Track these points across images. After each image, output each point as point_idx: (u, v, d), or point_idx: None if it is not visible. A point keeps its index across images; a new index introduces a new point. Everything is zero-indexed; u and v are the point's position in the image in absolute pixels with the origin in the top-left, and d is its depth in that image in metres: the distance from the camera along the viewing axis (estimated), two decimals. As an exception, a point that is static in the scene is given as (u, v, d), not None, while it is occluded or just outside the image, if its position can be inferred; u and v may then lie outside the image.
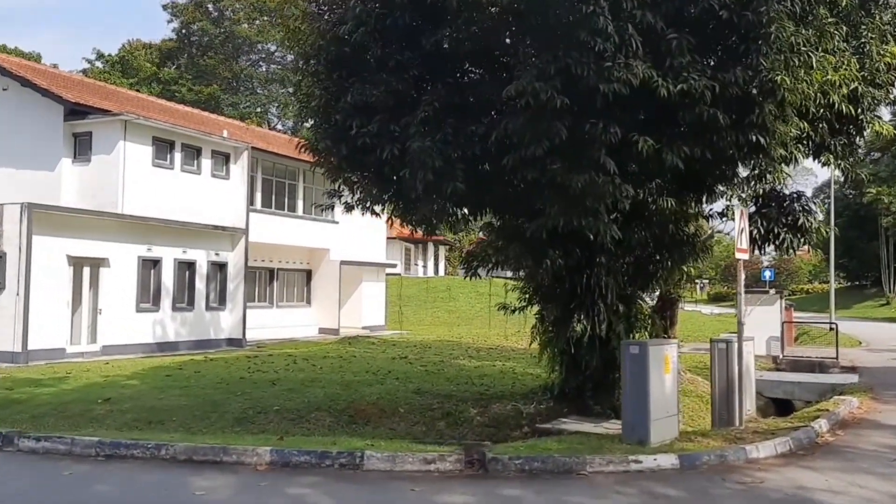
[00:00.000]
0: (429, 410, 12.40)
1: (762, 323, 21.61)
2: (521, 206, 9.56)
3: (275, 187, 27.24)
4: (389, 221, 15.45)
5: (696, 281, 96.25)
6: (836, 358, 20.35)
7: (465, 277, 12.52)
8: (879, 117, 10.41)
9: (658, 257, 12.03)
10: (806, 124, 9.49)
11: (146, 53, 56.83)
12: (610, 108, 8.22)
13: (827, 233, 11.02)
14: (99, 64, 57.49)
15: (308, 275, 30.46)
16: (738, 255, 9.73)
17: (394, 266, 35.45)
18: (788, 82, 8.19)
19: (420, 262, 55.70)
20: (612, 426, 10.28)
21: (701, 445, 8.94)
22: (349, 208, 11.73)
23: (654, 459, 8.05)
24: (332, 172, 10.70)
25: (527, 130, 8.15)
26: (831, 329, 34.00)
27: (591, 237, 10.87)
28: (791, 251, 10.96)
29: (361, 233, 29.35)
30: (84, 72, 52.45)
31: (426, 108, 8.77)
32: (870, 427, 11.12)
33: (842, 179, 64.09)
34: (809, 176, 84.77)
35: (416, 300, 42.04)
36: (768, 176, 9.63)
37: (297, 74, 10.98)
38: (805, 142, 9.95)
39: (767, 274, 45.36)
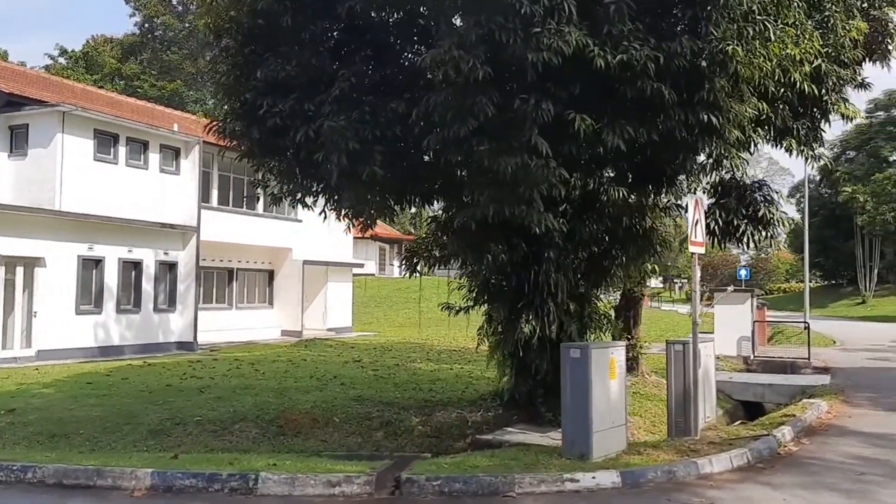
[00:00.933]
0: (367, 420, 11.44)
1: (733, 323, 20.89)
2: (450, 194, 8.61)
3: (233, 184, 26.10)
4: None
5: (675, 280, 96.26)
6: (809, 358, 19.62)
7: (402, 276, 11.58)
8: (846, 99, 9.58)
9: (613, 253, 11.18)
10: (765, 105, 8.65)
11: (109, 49, 55.31)
12: (542, 82, 7.31)
13: (793, 225, 10.17)
14: (62, 60, 55.94)
15: (270, 275, 29.36)
16: (691, 249, 8.86)
17: (361, 266, 34.39)
18: (742, 54, 7.32)
19: (395, 263, 54.69)
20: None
21: (649, 459, 8.06)
22: (276, 200, 10.73)
23: (593, 478, 7.15)
24: (247, 158, 9.70)
25: (449, 107, 7.21)
26: (806, 328, 33.59)
27: (536, 230, 10.07)
28: (753, 245, 10.13)
29: (327, 231, 28.27)
30: (46, 68, 50.89)
31: (341, 84, 7.81)
32: (837, 434, 10.31)
33: (818, 178, 63.92)
34: (786, 176, 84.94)
35: (389, 301, 41.08)
36: (725, 162, 8.77)
37: (207, 50, 9.98)
38: (765, 125, 9.11)
39: (743, 273, 44.89)
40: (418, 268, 11.29)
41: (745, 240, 9.86)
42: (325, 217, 10.61)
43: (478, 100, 7.12)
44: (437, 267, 11.32)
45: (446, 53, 6.82)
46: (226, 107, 9.18)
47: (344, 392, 13.08)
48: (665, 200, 10.72)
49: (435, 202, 9.70)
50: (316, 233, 27.88)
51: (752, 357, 20.41)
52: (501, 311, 11.43)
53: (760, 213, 9.62)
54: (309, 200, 10.71)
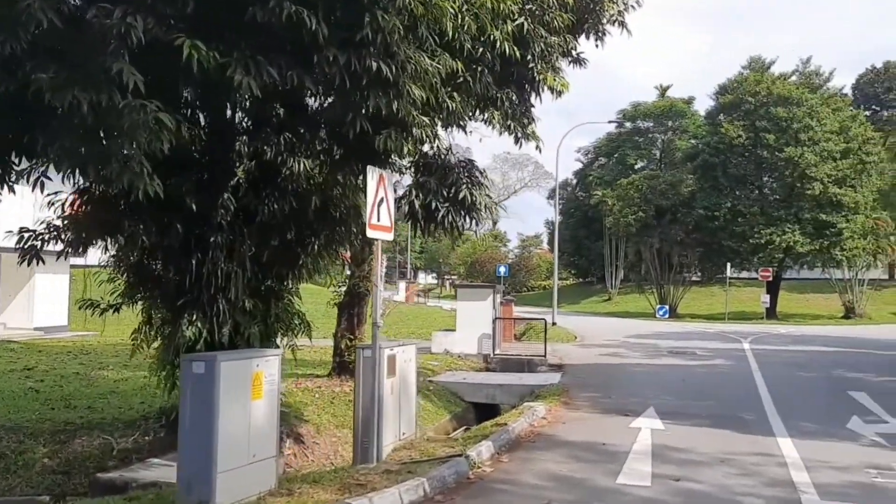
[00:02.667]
0: (-29, 453, 8.60)
1: (474, 320, 20.12)
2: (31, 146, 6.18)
3: None
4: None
5: (446, 276, 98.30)
6: (545, 356, 19.30)
7: (20, 264, 8.87)
8: (556, 68, 8.50)
9: (306, 239, 9.32)
10: (459, 64, 7.20)
11: None
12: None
13: (501, 211, 8.93)
14: None
15: (-48, 265, 24.23)
16: (370, 233, 7.23)
17: (79, 254, 29.80)
18: (412, -19, 5.74)
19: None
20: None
21: (299, 501, 6.25)
22: None
23: (197, 540, 5.17)
24: None
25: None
26: (554, 325, 34.54)
27: (193, 207, 7.92)
28: (457, 231, 8.78)
29: (36, 213, 23.79)
30: None
31: None
32: (543, 447, 9.26)
33: (574, 182, 67.94)
34: (550, 179, 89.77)
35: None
36: (415, 132, 7.20)
37: None
38: (463, 91, 7.69)
39: (503, 270, 45.83)
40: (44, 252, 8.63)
41: (447, 225, 8.44)
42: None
43: (30, 2, 4.84)
44: (73, 252, 8.75)
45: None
46: None
47: (-40, 415, 10.01)
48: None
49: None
50: (20, 214, 23.32)
51: (492, 355, 19.75)
52: (161, 309, 9.15)
53: (462, 196, 8.25)
54: None
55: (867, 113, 48.96)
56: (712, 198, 41.73)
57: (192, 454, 5.92)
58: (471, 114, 7.96)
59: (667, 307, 43.07)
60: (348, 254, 10.32)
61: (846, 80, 52.03)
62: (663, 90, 59.47)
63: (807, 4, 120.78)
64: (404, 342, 9.39)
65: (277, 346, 9.90)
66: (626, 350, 22.69)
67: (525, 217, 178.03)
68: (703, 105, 50.61)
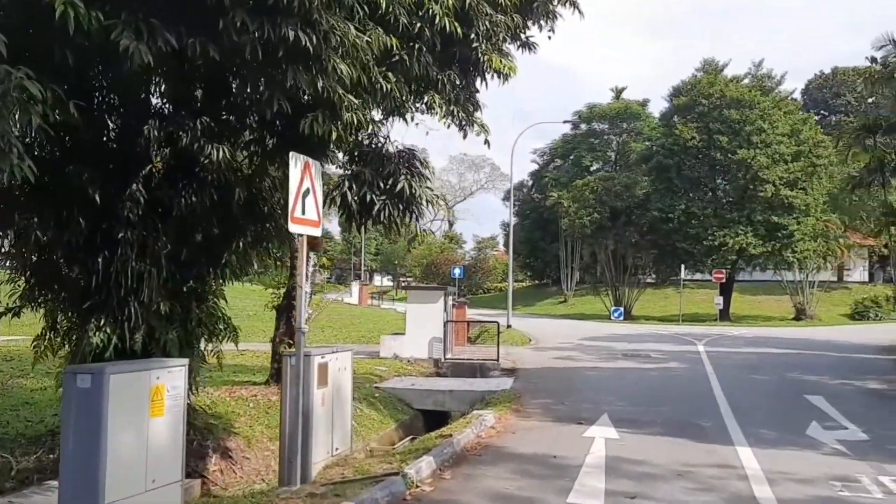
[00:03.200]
0: None
1: (425, 323, 19.41)
2: None
3: None
4: None
5: (402, 278, 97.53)
6: (498, 360, 18.67)
7: None
8: (502, 51, 7.81)
9: (230, 236, 8.49)
10: (394, 40, 6.48)
11: None
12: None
13: (437, 203, 8.19)
14: None
15: None
16: (293, 227, 6.45)
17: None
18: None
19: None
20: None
21: (204, 534, 5.45)
22: None
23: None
24: None
25: None
26: (509, 327, 34.02)
27: (97, 199, 7.05)
28: (395, 227, 8.03)
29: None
30: None
31: None
32: (490, 460, 8.58)
33: (530, 183, 67.67)
34: (506, 181, 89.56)
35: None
36: (345, 115, 6.45)
37: None
38: (399, 70, 6.96)
39: (458, 271, 45.19)
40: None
41: (384, 219, 7.68)
42: None
43: None
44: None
45: None
46: None
47: None
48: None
49: None
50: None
51: (443, 360, 19.04)
52: (67, 312, 8.23)
53: (399, 188, 7.51)
54: None
55: (816, 118, 49.63)
56: (666, 199, 41.74)
57: (74, 482, 5.08)
58: (409, 97, 7.22)
59: (622, 309, 42.94)
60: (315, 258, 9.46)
61: (796, 86, 52.83)
62: (618, 92, 59.62)
63: (763, 19, 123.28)
64: (339, 348, 8.62)
65: (200, 354, 9.09)
66: (580, 353, 22.22)
67: (481, 219, 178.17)
68: (657, 107, 50.89)
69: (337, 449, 8.10)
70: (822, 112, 64.57)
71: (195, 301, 8.67)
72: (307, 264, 6.84)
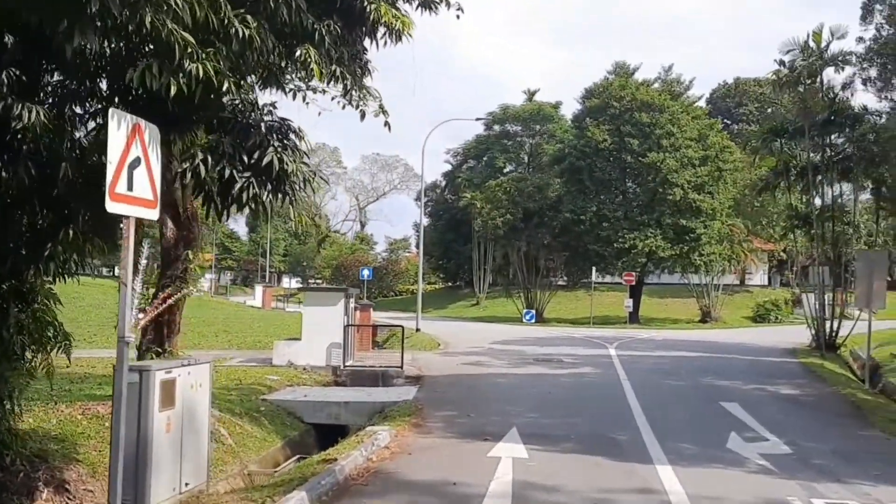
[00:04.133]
0: None
1: (323, 327, 17.87)
2: None
3: None
4: None
5: (311, 280, 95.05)
6: (402, 367, 17.36)
7: None
8: (397, 9, 6.50)
9: (57, 222, 6.84)
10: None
11: None
12: None
13: (315, 182, 6.77)
14: None
15: None
16: (112, 207, 4.95)
17: None
18: None
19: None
20: None
21: None
22: None
23: None
24: None
25: None
26: (418, 331, 32.76)
27: None
28: (263, 211, 6.60)
29: None
30: None
31: None
32: (378, 491, 7.27)
33: (443, 184, 66.77)
34: (420, 182, 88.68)
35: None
36: (188, 65, 5.00)
37: None
38: (263, 15, 5.56)
39: (366, 273, 43.63)
40: None
41: (248, 199, 6.24)
42: None
43: None
44: None
45: None
46: None
47: None
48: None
49: None
50: None
51: (342, 367, 17.57)
52: None
53: (267, 162, 6.10)
54: None
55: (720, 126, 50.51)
56: (578, 201, 41.49)
57: None
58: (278, 50, 5.82)
59: (534, 312, 42.43)
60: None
61: (703, 92, 53.76)
62: (531, 94, 59.41)
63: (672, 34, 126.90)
64: (192, 360, 7.07)
65: (24, 366, 7.38)
66: (490, 358, 21.17)
67: (395, 220, 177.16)
68: (570, 110, 50.80)
69: (187, 485, 6.59)
70: (725, 121, 66.36)
71: (14, 302, 7.00)
72: (134, 255, 5.33)
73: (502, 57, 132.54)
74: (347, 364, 17.87)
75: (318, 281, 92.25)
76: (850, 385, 16.63)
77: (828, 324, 23.86)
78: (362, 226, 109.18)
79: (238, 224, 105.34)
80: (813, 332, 24.55)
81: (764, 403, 13.72)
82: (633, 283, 41.44)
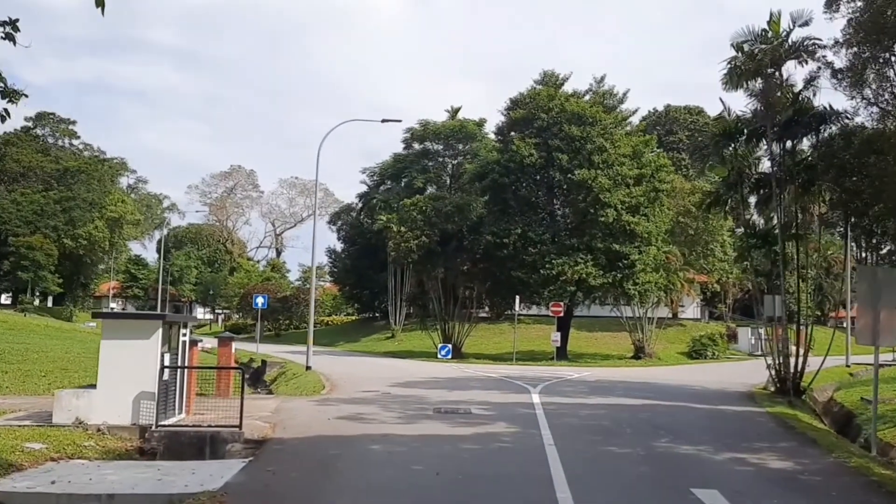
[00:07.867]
0: None
1: (128, 369, 12.49)
2: None
3: None
4: None
5: (219, 311, 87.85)
6: (240, 426, 12.13)
7: None
8: None
9: None
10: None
11: None
12: None
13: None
14: None
15: None
16: None
17: None
18: None
19: None
20: None
21: None
22: None
23: None
24: None
25: None
26: (308, 369, 27.46)
27: None
28: None
29: None
30: None
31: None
32: None
33: (359, 206, 61.55)
34: (333, 204, 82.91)
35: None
36: None
37: None
38: None
39: (260, 301, 37.84)
40: None
41: None
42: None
43: None
44: None
45: None
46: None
47: None
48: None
49: None
50: None
51: (155, 427, 12.18)
52: None
53: None
54: None
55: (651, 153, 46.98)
56: (501, 223, 37.00)
57: None
58: None
59: (450, 347, 37.52)
60: None
61: (636, 107, 50.14)
62: (454, 111, 55.06)
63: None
64: None
65: None
66: (379, 409, 16.07)
67: (311, 247, 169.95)
68: (494, 126, 46.45)
69: None
70: (656, 149, 63.87)
71: None
72: None
73: (427, 89, 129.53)
74: (164, 423, 12.47)
75: (225, 310, 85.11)
76: (850, 451, 12.31)
77: (791, 361, 19.81)
78: (278, 253, 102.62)
79: (148, 251, 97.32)
80: (773, 372, 20.46)
81: (754, 490, 9.18)
82: (562, 315, 37.05)
